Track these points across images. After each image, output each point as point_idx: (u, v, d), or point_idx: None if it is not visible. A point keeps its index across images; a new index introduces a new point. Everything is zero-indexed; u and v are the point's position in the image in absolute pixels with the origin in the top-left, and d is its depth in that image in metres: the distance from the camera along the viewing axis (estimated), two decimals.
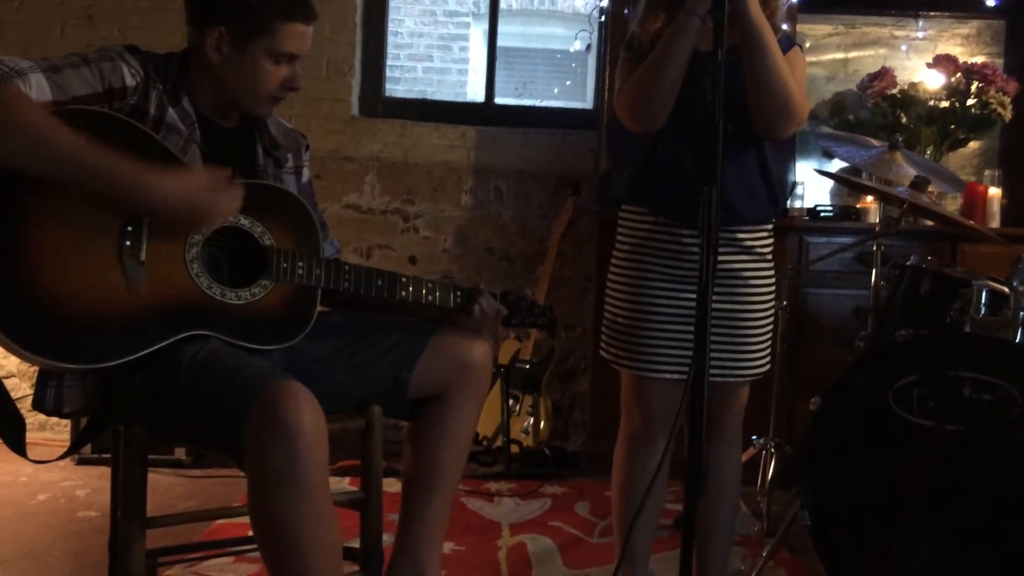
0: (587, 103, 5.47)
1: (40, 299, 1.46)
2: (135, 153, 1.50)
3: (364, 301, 1.81)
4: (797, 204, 3.40)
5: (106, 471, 2.95)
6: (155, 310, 1.54)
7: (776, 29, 1.90)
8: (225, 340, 1.59)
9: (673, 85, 1.81)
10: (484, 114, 3.87)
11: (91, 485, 2.92)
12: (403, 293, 1.78)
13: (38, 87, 1.47)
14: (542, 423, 3.35)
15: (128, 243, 1.53)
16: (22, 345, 1.44)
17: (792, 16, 3.19)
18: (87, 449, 3.05)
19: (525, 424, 3.33)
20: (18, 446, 1.53)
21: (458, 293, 1.84)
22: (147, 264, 1.54)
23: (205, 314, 1.58)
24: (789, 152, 2.12)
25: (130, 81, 1.58)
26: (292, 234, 1.71)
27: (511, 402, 3.35)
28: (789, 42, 1.96)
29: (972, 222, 2.48)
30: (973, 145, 3.52)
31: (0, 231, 1.45)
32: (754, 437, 2.71)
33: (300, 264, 1.68)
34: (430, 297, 1.81)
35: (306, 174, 1.92)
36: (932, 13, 3.60)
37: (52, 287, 1.47)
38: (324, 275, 1.71)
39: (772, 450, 2.68)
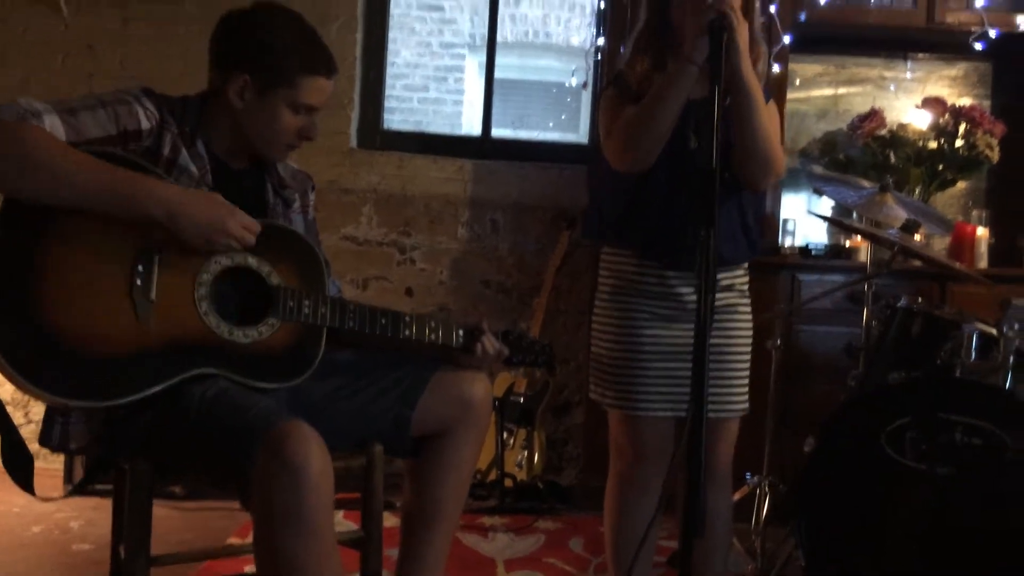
0: (580, 135, 5.54)
1: (50, 336, 1.48)
2: None
3: (367, 339, 1.84)
4: (788, 242, 3.45)
5: (100, 502, 2.98)
6: (164, 348, 1.57)
7: (760, 77, 1.96)
8: (232, 379, 1.61)
9: (667, 130, 1.86)
10: (481, 147, 3.91)
11: (85, 516, 2.92)
12: (406, 332, 1.81)
13: (52, 128, 1.51)
14: (536, 457, 3.37)
15: (139, 282, 1.56)
16: (31, 382, 1.46)
17: (783, 57, 3.26)
18: (81, 480, 3.04)
19: (519, 458, 3.35)
20: (27, 484, 1.55)
21: (460, 332, 1.87)
22: (157, 302, 1.57)
23: (213, 353, 1.61)
24: (763, 197, 2.19)
25: (145, 124, 1.62)
26: (299, 273, 1.74)
27: (505, 435, 3.37)
28: (767, 95, 2.03)
29: (960, 264, 2.53)
30: (961, 185, 3.58)
31: (14, 268, 1.48)
32: (747, 475, 2.73)
33: (306, 303, 1.71)
34: (433, 336, 1.84)
35: (311, 213, 1.96)
36: (920, 55, 3.68)
37: (63, 325, 1.50)
38: (330, 314, 1.73)
39: (766, 488, 2.70)
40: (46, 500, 1.62)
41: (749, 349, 2.06)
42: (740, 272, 2.07)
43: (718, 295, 1.98)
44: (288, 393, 1.73)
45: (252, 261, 1.68)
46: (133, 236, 1.56)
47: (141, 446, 1.58)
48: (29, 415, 3.50)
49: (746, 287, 2.08)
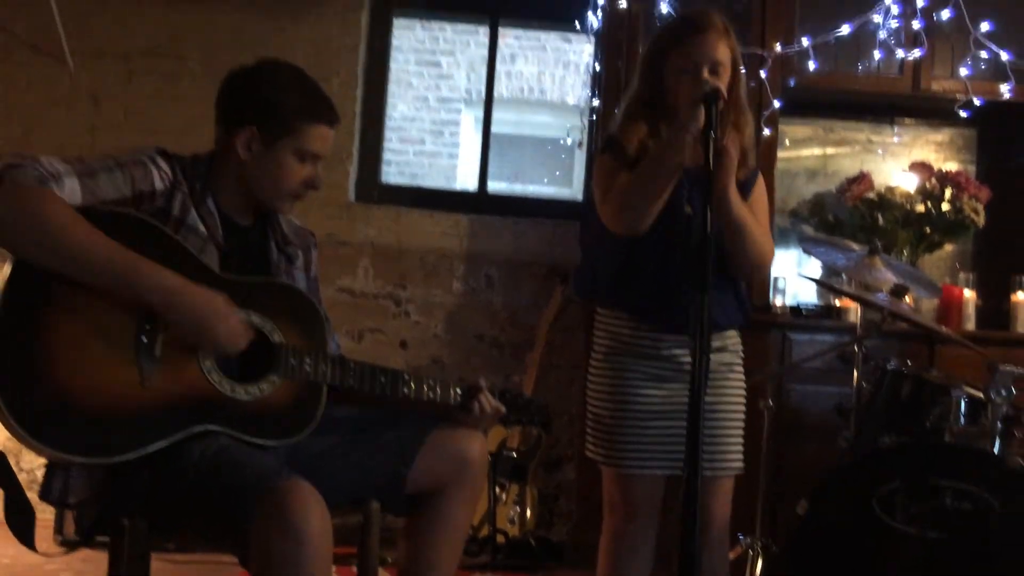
0: (574, 190, 5.62)
1: (55, 391, 1.50)
2: (156, 255, 1.57)
3: (366, 396, 1.86)
4: (779, 300, 3.49)
5: (90, 555, 2.93)
6: (167, 405, 1.58)
7: (746, 153, 2.03)
8: (233, 436, 1.63)
9: (662, 197, 1.91)
10: (477, 202, 3.97)
11: (75, 568, 2.89)
12: (405, 390, 1.83)
13: (71, 190, 1.55)
14: (528, 512, 3.37)
15: (144, 339, 1.58)
16: (35, 438, 1.47)
17: (773, 120, 3.33)
18: (71, 532, 3.02)
19: (511, 514, 3.34)
20: (26, 537, 1.55)
21: (458, 391, 1.89)
22: (161, 359, 1.59)
23: (215, 409, 1.63)
24: None
25: (159, 185, 1.67)
26: (300, 331, 1.77)
27: (497, 490, 3.37)
28: (755, 173, 2.10)
29: (946, 329, 2.58)
30: (948, 247, 3.65)
31: (22, 325, 1.50)
32: (740, 536, 2.74)
33: (308, 361, 1.73)
34: (431, 394, 1.86)
35: (314, 271, 1.99)
36: (907, 120, 3.78)
37: (68, 380, 1.51)
38: (330, 372, 1.76)
39: (758, 549, 2.71)
40: (46, 556, 1.62)
41: (743, 408, 2.10)
42: (731, 334, 2.12)
43: (712, 356, 2.02)
44: (287, 449, 1.74)
45: (255, 318, 1.71)
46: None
47: (142, 503, 1.58)
48: (20, 464, 3.48)
49: (739, 348, 2.13)
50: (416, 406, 1.89)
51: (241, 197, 1.80)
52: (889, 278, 2.58)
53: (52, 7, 3.53)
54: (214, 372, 1.64)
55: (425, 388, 1.86)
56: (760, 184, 2.13)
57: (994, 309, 3.46)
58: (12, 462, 3.61)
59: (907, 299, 2.66)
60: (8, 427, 1.46)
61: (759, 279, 3.08)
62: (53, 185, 1.52)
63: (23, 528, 1.55)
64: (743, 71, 2.09)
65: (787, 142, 3.78)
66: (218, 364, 1.65)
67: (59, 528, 3.10)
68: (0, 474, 1.56)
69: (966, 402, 2.15)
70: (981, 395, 2.15)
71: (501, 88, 5.99)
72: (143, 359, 1.57)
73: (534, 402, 2.00)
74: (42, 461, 1.64)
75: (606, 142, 2.09)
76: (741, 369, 2.12)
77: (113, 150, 3.60)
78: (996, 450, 2.00)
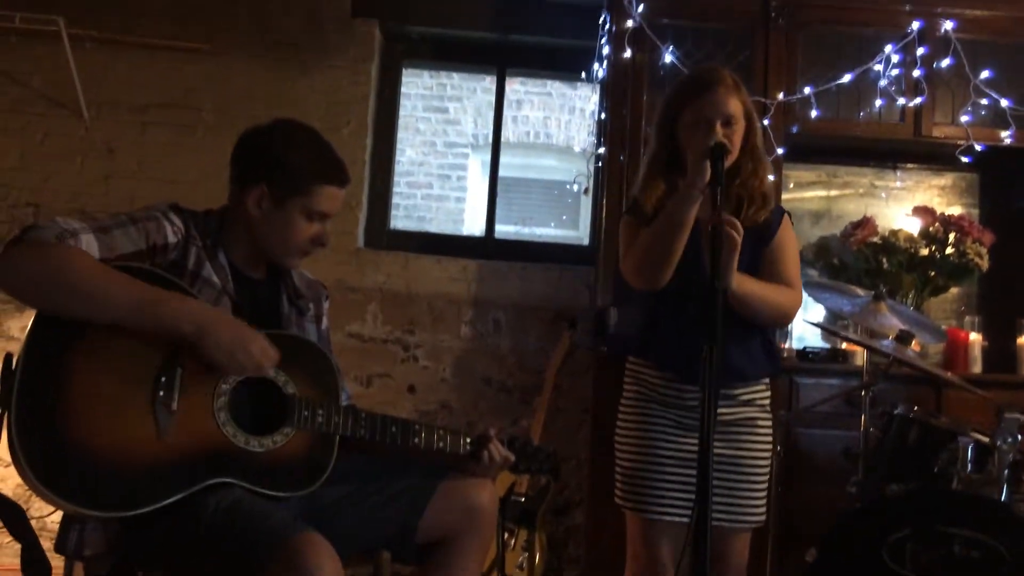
0: (581, 232, 5.67)
1: (73, 445, 1.53)
2: None
3: (377, 446, 1.88)
4: (785, 343, 3.51)
5: None
6: (182, 458, 1.61)
7: (767, 198, 2.07)
8: (247, 488, 1.65)
9: (676, 251, 1.95)
10: (485, 247, 4.02)
11: None
12: (415, 440, 1.86)
13: (87, 245, 1.59)
14: (537, 558, 3.35)
15: (161, 393, 1.61)
16: (53, 491, 1.49)
17: (777, 166, 3.37)
18: None
19: (520, 560, 3.33)
20: None
21: (468, 440, 1.91)
22: (178, 413, 1.62)
23: (229, 462, 1.65)
24: None
25: (172, 238, 1.71)
26: (313, 383, 1.80)
27: (506, 536, 3.36)
28: (780, 213, 2.12)
29: (951, 375, 2.59)
30: (954, 291, 3.66)
31: (42, 380, 1.53)
32: None
33: (320, 412, 1.76)
34: (441, 444, 1.89)
35: (325, 322, 2.02)
36: (909, 165, 3.83)
37: (86, 433, 1.54)
38: (342, 423, 1.78)
39: None
40: None
41: (768, 463, 2.11)
42: (761, 387, 2.14)
43: (737, 409, 2.06)
44: (300, 498, 1.76)
45: (271, 371, 1.74)
46: (157, 349, 1.62)
47: (156, 554, 1.60)
48: (30, 512, 3.48)
49: (767, 402, 2.15)
50: (426, 455, 1.91)
51: (252, 251, 1.84)
52: (895, 324, 2.60)
53: (69, 61, 3.63)
54: (229, 424, 1.67)
55: (435, 438, 1.88)
56: (786, 226, 2.14)
57: (1001, 351, 3.47)
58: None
59: (913, 343, 2.68)
60: (27, 480, 1.49)
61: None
62: (71, 240, 1.57)
63: None
64: (759, 123, 2.14)
65: (791, 185, 3.82)
66: (232, 416, 1.68)
67: None
68: (18, 527, 1.58)
69: (973, 448, 2.16)
70: (987, 441, 2.16)
71: (508, 133, 6.06)
72: (160, 412, 1.60)
73: (542, 450, 2.02)
74: (51, 509, 1.66)
75: (629, 205, 2.15)
76: (769, 421, 2.13)
77: (127, 200, 3.70)
78: (1004, 497, 2.01)
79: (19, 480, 1.52)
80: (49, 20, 3.58)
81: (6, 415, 1.51)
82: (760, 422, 2.10)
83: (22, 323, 3.71)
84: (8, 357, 1.55)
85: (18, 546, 1.62)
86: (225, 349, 1.62)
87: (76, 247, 1.57)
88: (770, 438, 2.12)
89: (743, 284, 1.98)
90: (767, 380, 2.14)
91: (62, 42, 3.60)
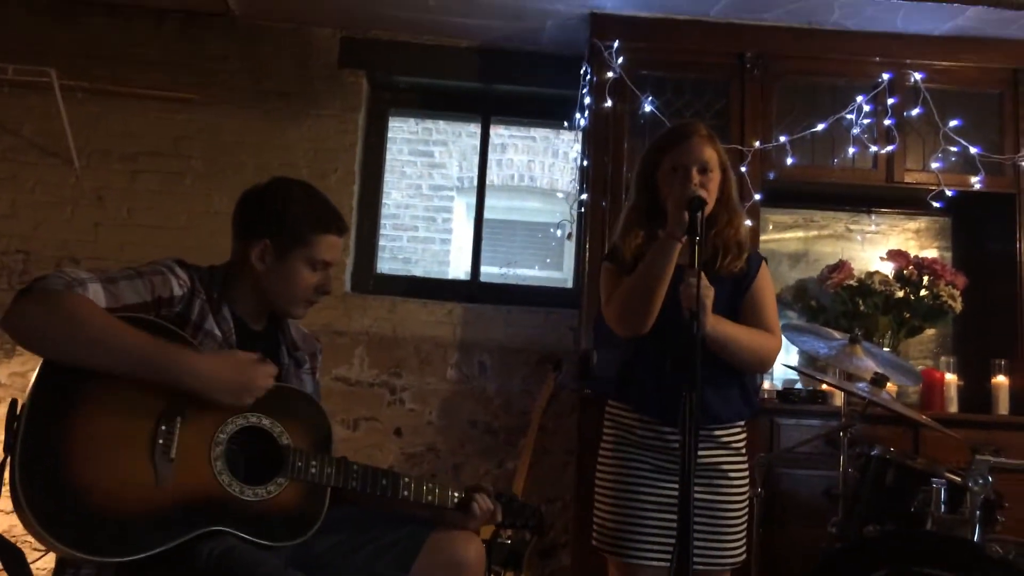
0: (564, 272, 5.75)
1: (74, 491, 1.56)
2: None
3: (367, 498, 1.92)
4: (766, 383, 3.57)
5: None
6: (178, 506, 1.65)
7: (741, 246, 2.14)
8: (240, 536, 1.68)
9: (658, 298, 2.02)
10: (470, 290, 4.08)
11: None
12: (404, 493, 1.91)
13: (95, 295, 1.65)
14: None
15: (161, 441, 1.65)
16: (53, 536, 1.52)
17: (754, 211, 3.46)
18: None
19: None
20: None
21: (455, 495, 1.97)
22: (176, 461, 1.66)
23: (224, 511, 1.69)
24: None
25: (177, 291, 1.77)
26: (307, 434, 1.85)
27: None
28: (758, 260, 2.20)
29: (926, 417, 2.66)
30: (930, 332, 3.74)
31: (46, 427, 1.57)
32: None
33: (313, 464, 1.81)
34: (430, 497, 1.94)
35: (318, 375, 2.08)
36: (883, 209, 3.93)
37: (86, 481, 1.58)
38: (335, 475, 1.83)
39: None
40: None
41: (744, 505, 2.16)
42: (736, 430, 2.19)
43: (712, 452, 2.11)
44: (292, 547, 1.79)
45: (266, 422, 1.79)
46: (158, 397, 1.66)
47: None
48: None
49: (742, 445, 2.19)
50: (415, 508, 1.96)
51: (255, 304, 1.91)
52: (870, 366, 2.67)
53: (60, 111, 3.69)
54: (224, 473, 1.71)
55: (424, 491, 1.93)
56: (763, 273, 2.22)
57: (976, 391, 3.54)
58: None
59: (889, 385, 2.74)
60: (27, 523, 1.52)
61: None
62: (79, 289, 1.62)
63: None
64: (733, 175, 2.22)
65: (770, 227, 3.91)
66: (228, 465, 1.72)
67: None
68: (18, 572, 1.61)
69: (946, 489, 2.22)
70: (960, 482, 2.22)
71: (492, 176, 6.16)
72: (159, 460, 1.64)
73: (528, 507, 2.08)
74: (41, 552, 1.68)
75: (609, 251, 2.22)
76: (744, 464, 2.18)
77: (116, 247, 3.73)
78: (976, 537, 2.06)
79: (14, 522, 1.54)
80: (41, 71, 3.65)
81: (9, 460, 1.54)
82: (736, 466, 2.16)
83: (10, 369, 3.73)
84: (13, 403, 1.60)
85: None
86: (231, 394, 1.69)
87: (84, 296, 1.62)
88: (746, 481, 2.17)
89: (719, 327, 2.04)
90: (743, 424, 2.20)
91: (54, 93, 3.67)
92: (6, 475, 1.56)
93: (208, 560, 1.61)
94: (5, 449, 1.57)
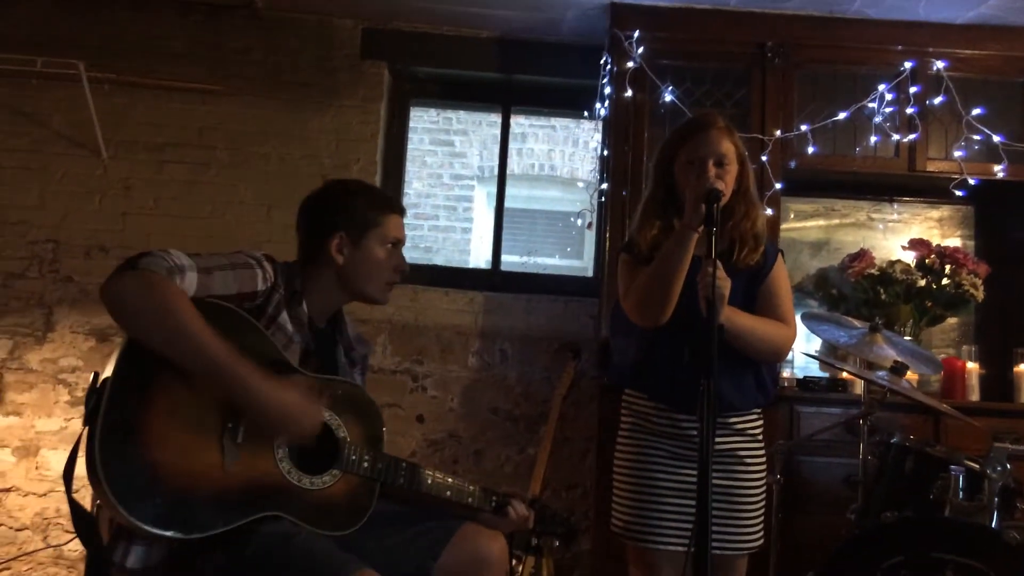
0: (585, 261, 5.77)
1: (147, 467, 1.61)
2: (247, 344, 1.73)
3: (411, 495, 1.98)
4: (786, 372, 3.58)
5: None
6: (241, 489, 1.70)
7: (758, 238, 2.16)
8: (296, 523, 1.73)
9: (676, 289, 2.04)
10: (491, 280, 4.11)
11: None
12: (447, 493, 1.99)
13: (189, 284, 1.70)
14: None
15: (230, 425, 1.70)
16: (125, 507, 1.56)
17: (775, 201, 3.47)
18: None
19: None
20: None
21: (494, 499, 2.03)
22: (243, 446, 1.71)
23: (283, 497, 1.74)
24: None
25: (261, 286, 1.84)
26: (363, 429, 1.91)
27: (514, 563, 3.42)
28: (774, 252, 2.21)
29: (945, 406, 2.66)
30: (952, 320, 3.74)
31: (129, 402, 1.62)
32: None
33: (366, 458, 1.87)
34: (470, 499, 2.01)
35: (367, 374, 2.14)
36: (905, 198, 3.92)
37: (159, 458, 1.62)
38: (385, 470, 1.90)
39: None
40: None
41: (761, 490, 2.18)
42: (752, 416, 2.21)
43: (728, 439, 2.13)
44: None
45: (326, 414, 1.84)
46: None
47: None
48: (47, 537, 3.56)
49: (758, 431, 2.22)
50: (455, 508, 2.03)
51: (326, 302, 1.99)
52: (890, 354, 2.68)
53: (88, 102, 3.75)
54: (285, 461, 1.77)
55: (465, 492, 2.01)
56: (780, 266, 2.23)
57: (998, 380, 3.54)
58: (37, 539, 3.70)
59: (909, 374, 2.75)
60: (101, 494, 1.56)
61: None
62: (177, 277, 1.67)
63: None
64: (752, 167, 2.24)
65: (792, 216, 3.91)
66: (288, 453, 1.77)
67: None
68: (88, 535, 1.67)
69: (965, 477, 2.23)
70: (978, 469, 2.23)
71: (513, 165, 6.17)
72: (227, 444, 1.69)
73: (559, 516, 2.16)
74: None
75: (625, 243, 2.24)
76: (761, 451, 2.21)
77: (143, 236, 3.80)
78: (994, 523, 2.07)
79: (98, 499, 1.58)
80: (69, 64, 3.71)
81: (88, 430, 1.59)
82: (753, 452, 2.18)
83: (41, 355, 3.81)
84: (95, 376, 1.65)
85: None
86: (270, 427, 1.73)
87: (181, 289, 1.67)
88: (763, 467, 2.19)
89: (734, 318, 2.06)
90: (759, 411, 2.22)
91: (82, 85, 3.72)
92: (82, 444, 1.61)
93: (267, 544, 1.65)
94: (85, 420, 1.62)
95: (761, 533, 2.17)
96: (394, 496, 1.99)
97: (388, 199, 2.06)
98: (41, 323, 3.83)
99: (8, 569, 3.67)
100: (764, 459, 2.21)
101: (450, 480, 1.99)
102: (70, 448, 1.72)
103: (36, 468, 3.76)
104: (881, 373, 2.54)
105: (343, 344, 2.06)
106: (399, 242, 2.01)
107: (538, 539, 2.24)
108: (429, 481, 1.96)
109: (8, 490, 3.75)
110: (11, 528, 3.72)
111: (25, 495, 3.74)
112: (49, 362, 3.82)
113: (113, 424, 1.59)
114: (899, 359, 2.58)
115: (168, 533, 1.61)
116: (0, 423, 3.78)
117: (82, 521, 1.69)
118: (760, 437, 2.21)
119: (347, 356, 2.05)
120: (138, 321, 1.64)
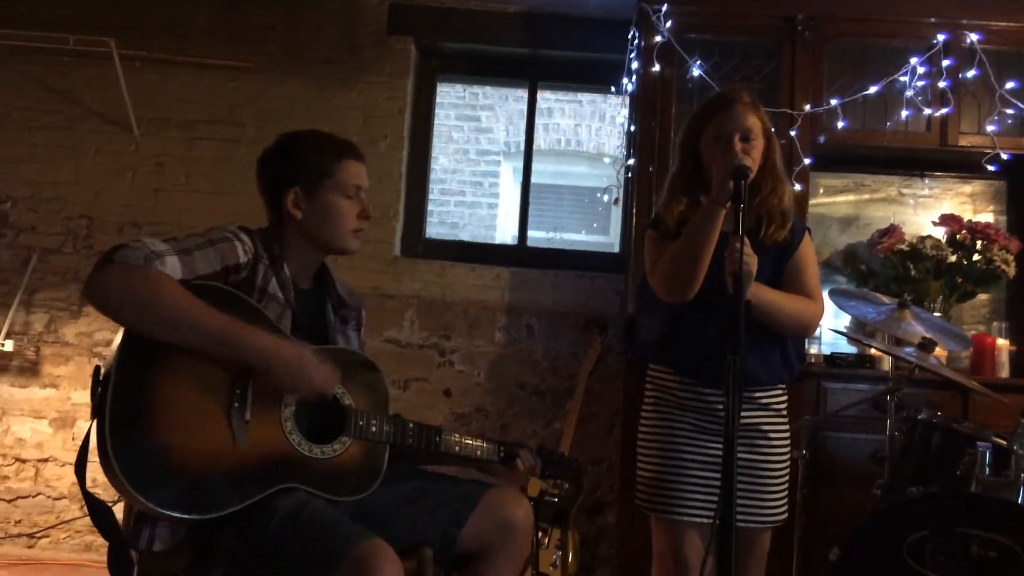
0: (611, 237, 5.76)
1: (159, 452, 1.64)
2: (243, 321, 1.73)
3: (421, 453, 2.00)
4: (814, 348, 3.57)
5: None
6: (254, 465, 1.72)
7: (785, 215, 2.15)
8: (310, 492, 1.76)
9: (703, 265, 2.05)
10: (518, 255, 4.13)
11: None
12: (456, 448, 2.01)
13: (172, 268, 1.71)
14: (570, 556, 3.45)
15: (236, 404, 1.73)
16: (143, 495, 1.60)
17: (804, 176, 3.44)
18: None
19: (554, 558, 3.43)
20: None
21: (502, 448, 2.06)
22: (251, 422, 1.74)
23: (295, 469, 1.77)
24: None
25: (243, 258, 1.84)
26: (366, 394, 1.93)
27: (540, 534, 3.46)
28: (802, 229, 2.21)
29: (974, 382, 2.65)
30: (983, 296, 3.70)
31: (133, 391, 1.65)
32: None
33: (373, 423, 1.89)
34: (478, 452, 2.03)
35: (363, 332, 2.15)
36: (936, 173, 3.87)
37: (170, 442, 1.65)
38: (393, 432, 1.92)
39: None
40: None
41: (786, 464, 2.20)
42: (777, 391, 2.22)
43: (754, 413, 2.15)
44: (352, 502, 1.87)
45: (330, 393, 1.86)
46: (232, 362, 1.73)
47: (224, 555, 1.70)
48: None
49: (783, 407, 2.23)
50: (464, 462, 2.06)
51: (304, 261, 1.97)
52: (919, 331, 2.66)
53: (120, 80, 3.80)
54: (295, 433, 1.79)
55: (472, 446, 2.03)
56: (807, 243, 2.23)
57: None
58: (75, 507, 3.78)
59: (938, 350, 2.73)
60: (117, 484, 1.60)
61: None
62: (157, 263, 1.68)
63: None
64: (780, 142, 2.23)
65: (821, 190, 3.88)
66: (297, 425, 1.80)
67: None
68: (107, 527, 1.70)
69: (992, 453, 2.23)
70: (1005, 445, 2.23)
71: (539, 140, 6.16)
72: (235, 421, 1.72)
73: (567, 460, 2.17)
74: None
75: (652, 219, 2.25)
76: (785, 426, 2.22)
77: (175, 212, 3.85)
78: (1021, 499, 2.07)
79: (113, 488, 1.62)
80: (101, 42, 3.75)
81: (97, 422, 1.62)
82: (777, 426, 2.19)
83: (77, 329, 3.89)
84: (97, 369, 1.68)
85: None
86: (288, 380, 1.74)
87: (162, 272, 1.68)
88: (787, 442, 2.20)
89: (760, 293, 2.06)
90: (783, 386, 2.22)
91: (113, 62, 3.77)
92: (92, 437, 1.64)
93: (284, 517, 1.67)
94: (93, 413, 1.65)
95: (785, 507, 2.18)
96: (404, 455, 2.00)
97: (339, 145, 1.97)
98: (76, 298, 3.91)
99: (47, 536, 3.77)
100: (788, 434, 2.22)
101: (457, 436, 2.00)
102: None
103: (73, 439, 3.85)
104: (909, 349, 2.53)
105: (332, 302, 2.04)
106: (359, 189, 1.96)
107: (551, 479, 2.26)
108: (437, 439, 1.97)
109: (46, 460, 3.84)
110: (49, 497, 3.82)
111: (63, 465, 3.83)
112: (84, 335, 3.90)
113: (121, 413, 1.62)
114: (927, 335, 2.57)
115: (187, 516, 1.64)
116: (38, 395, 3.87)
117: (100, 515, 1.71)
118: (784, 412, 2.22)
119: (336, 314, 2.04)
120: (128, 315, 1.66)
